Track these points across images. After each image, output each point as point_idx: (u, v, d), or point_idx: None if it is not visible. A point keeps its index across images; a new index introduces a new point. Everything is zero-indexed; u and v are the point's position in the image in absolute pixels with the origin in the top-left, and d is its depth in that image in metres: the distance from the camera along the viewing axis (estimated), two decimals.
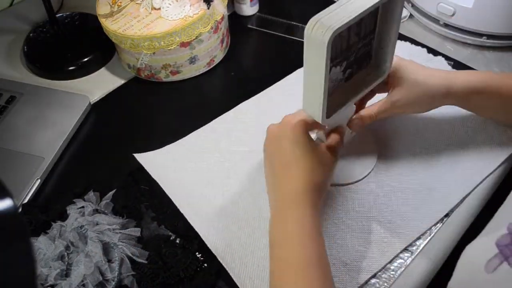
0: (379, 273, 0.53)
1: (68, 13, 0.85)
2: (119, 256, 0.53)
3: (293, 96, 0.71)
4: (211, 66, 0.78)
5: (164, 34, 0.68)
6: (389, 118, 0.64)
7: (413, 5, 0.84)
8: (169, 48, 0.70)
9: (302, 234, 0.47)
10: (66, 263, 0.53)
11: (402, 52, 0.76)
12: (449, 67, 0.74)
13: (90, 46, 0.80)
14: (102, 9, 0.73)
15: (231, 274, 0.52)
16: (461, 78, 0.57)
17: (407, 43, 0.78)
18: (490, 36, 0.76)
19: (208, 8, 0.70)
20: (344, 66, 0.50)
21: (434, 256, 0.55)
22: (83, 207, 0.57)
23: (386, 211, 0.57)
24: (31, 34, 0.82)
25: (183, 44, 0.71)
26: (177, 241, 0.56)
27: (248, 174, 0.62)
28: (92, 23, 0.82)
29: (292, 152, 0.50)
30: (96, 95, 0.75)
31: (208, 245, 0.54)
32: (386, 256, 0.54)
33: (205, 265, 0.54)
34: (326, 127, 0.54)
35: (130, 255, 0.54)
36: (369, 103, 0.60)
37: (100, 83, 0.77)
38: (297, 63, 0.75)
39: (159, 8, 0.71)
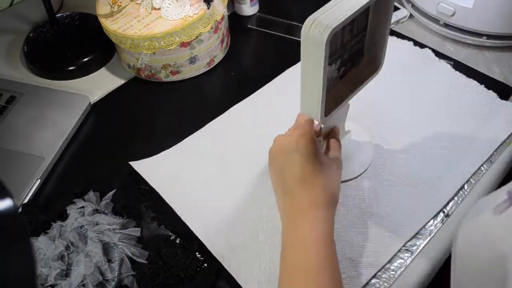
0: (379, 273, 0.53)
1: (68, 13, 0.85)
2: (119, 256, 0.53)
3: (286, 96, 0.71)
4: (211, 66, 0.78)
5: (164, 34, 0.68)
6: (379, 113, 0.65)
7: (413, 5, 0.84)
8: (169, 48, 0.70)
9: (315, 240, 0.47)
10: (66, 263, 0.53)
11: (404, 52, 0.77)
12: (450, 67, 0.74)
13: (90, 46, 0.80)
14: (102, 9, 0.73)
15: (238, 281, 0.52)
16: None
17: (410, 43, 0.79)
18: (490, 36, 0.76)
19: (208, 8, 0.70)
20: (339, 64, 0.51)
21: (434, 256, 0.55)
22: (83, 207, 0.57)
23: (387, 205, 0.58)
24: (31, 34, 0.82)
25: (183, 44, 0.71)
26: (177, 241, 0.56)
27: (247, 177, 0.62)
28: (92, 23, 0.82)
29: (305, 166, 0.50)
30: (96, 95, 0.75)
31: (213, 253, 0.54)
32: (390, 250, 0.54)
33: (205, 265, 0.54)
34: (322, 125, 0.55)
35: (130, 255, 0.54)
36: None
37: (100, 83, 0.77)
38: (297, 63, 0.75)
39: (159, 8, 0.71)
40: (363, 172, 0.61)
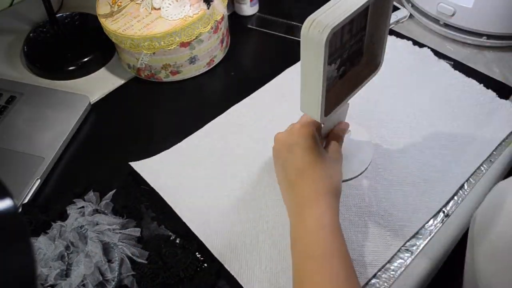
0: (379, 273, 0.53)
1: (68, 13, 0.85)
2: (119, 256, 0.53)
3: (286, 96, 0.71)
4: (211, 66, 0.78)
5: (164, 34, 0.68)
6: (379, 113, 0.65)
7: (413, 5, 0.84)
8: (169, 48, 0.70)
9: (322, 228, 0.47)
10: (66, 263, 0.53)
11: (406, 51, 0.77)
12: (449, 66, 0.74)
13: (90, 46, 0.80)
14: (102, 9, 0.73)
15: (239, 281, 0.52)
16: None
17: (410, 42, 0.79)
18: (490, 36, 0.76)
19: (208, 8, 0.70)
20: (338, 64, 0.51)
21: (434, 256, 0.55)
22: (83, 207, 0.57)
23: (387, 204, 0.58)
24: (31, 34, 0.82)
25: (183, 44, 0.71)
26: (177, 241, 0.56)
27: (247, 176, 0.62)
28: (92, 23, 0.82)
29: (305, 158, 0.51)
30: (96, 95, 0.75)
31: (214, 253, 0.54)
32: (391, 250, 0.54)
33: (205, 265, 0.54)
34: (323, 125, 0.55)
35: (130, 255, 0.54)
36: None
37: (100, 83, 0.77)
38: (297, 63, 0.75)
39: (159, 8, 0.71)
40: (363, 172, 0.61)
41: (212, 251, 0.54)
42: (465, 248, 0.51)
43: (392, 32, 0.81)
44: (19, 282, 0.27)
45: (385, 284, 0.52)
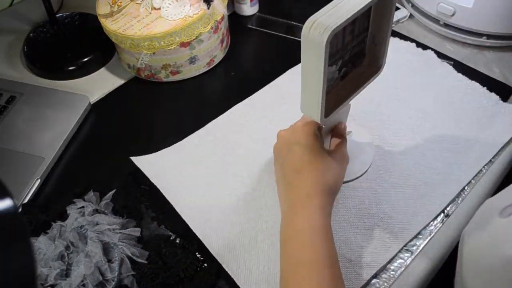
0: (379, 273, 0.53)
1: (68, 13, 0.85)
2: (119, 256, 0.53)
3: (287, 97, 0.71)
4: (211, 66, 0.78)
5: (164, 34, 0.68)
6: (381, 114, 0.65)
7: (413, 5, 0.84)
8: (169, 48, 0.70)
9: (311, 232, 0.47)
10: (66, 263, 0.53)
11: (408, 53, 0.77)
12: (452, 68, 0.74)
13: (90, 46, 0.80)
14: (102, 9, 0.73)
15: (237, 281, 0.52)
16: None
17: (413, 44, 0.78)
18: (490, 36, 0.76)
19: (208, 8, 0.70)
20: (340, 65, 0.51)
21: (434, 256, 0.55)
22: (83, 207, 0.57)
23: (387, 207, 0.58)
24: (31, 34, 0.82)
25: (183, 44, 0.71)
26: (177, 241, 0.56)
27: (247, 176, 0.62)
28: (92, 23, 0.82)
29: (303, 157, 0.51)
30: (96, 95, 0.75)
31: (212, 252, 0.54)
32: (390, 252, 0.54)
33: (205, 265, 0.54)
34: (324, 126, 0.55)
35: (130, 255, 0.54)
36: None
37: (100, 83, 0.77)
38: (297, 63, 0.75)
39: (159, 8, 0.71)
40: (364, 173, 0.61)
41: (211, 251, 0.54)
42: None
43: (394, 33, 0.81)
44: (19, 282, 0.27)
45: (385, 284, 0.52)
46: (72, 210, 0.57)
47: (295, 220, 0.48)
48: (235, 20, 0.86)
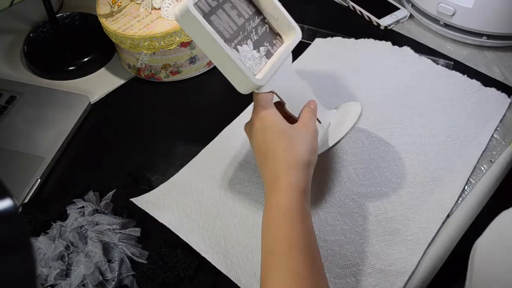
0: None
1: (68, 13, 0.85)
2: (119, 256, 0.53)
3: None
4: (211, 66, 0.78)
5: (164, 34, 0.68)
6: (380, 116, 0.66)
7: (413, 5, 0.84)
8: (169, 48, 0.70)
9: (279, 216, 0.46)
10: (66, 263, 0.53)
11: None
12: (430, 61, 0.75)
13: (90, 46, 0.80)
14: (102, 9, 0.73)
15: (237, 282, 0.51)
16: None
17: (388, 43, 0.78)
18: (490, 36, 0.76)
19: None
20: (253, 45, 0.53)
21: (434, 256, 0.55)
22: (83, 207, 0.57)
23: (401, 209, 0.57)
24: (31, 34, 0.82)
25: (183, 44, 0.71)
26: (177, 241, 0.56)
27: (253, 199, 0.60)
28: (92, 23, 0.82)
29: (265, 139, 0.50)
30: (96, 95, 0.75)
31: (239, 284, 0.52)
32: (416, 254, 0.54)
33: (205, 265, 0.54)
34: (273, 91, 0.53)
35: (130, 255, 0.54)
36: None
37: (100, 83, 0.77)
38: (297, 63, 0.75)
39: (159, 8, 0.71)
40: (349, 131, 0.56)
41: (236, 282, 0.52)
42: (465, 248, 0.50)
43: (390, 33, 0.81)
44: (19, 282, 0.27)
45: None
46: (72, 210, 0.57)
47: (266, 207, 0.48)
48: None
